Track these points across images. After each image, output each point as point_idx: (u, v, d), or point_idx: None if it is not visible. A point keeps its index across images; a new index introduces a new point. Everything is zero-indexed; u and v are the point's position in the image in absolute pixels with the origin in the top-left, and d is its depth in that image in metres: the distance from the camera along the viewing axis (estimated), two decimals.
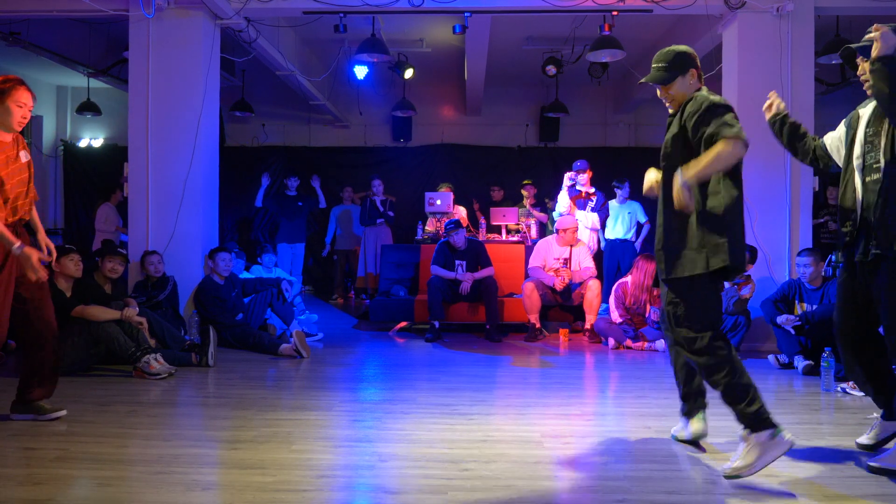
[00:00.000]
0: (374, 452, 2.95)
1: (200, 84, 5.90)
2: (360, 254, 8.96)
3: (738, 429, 2.65)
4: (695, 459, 2.88)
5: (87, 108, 9.56)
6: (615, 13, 6.06)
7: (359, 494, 2.54)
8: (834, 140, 3.00)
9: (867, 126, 2.81)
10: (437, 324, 6.17)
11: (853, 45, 2.76)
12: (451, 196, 7.87)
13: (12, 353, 5.04)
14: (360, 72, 7.81)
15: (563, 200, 7.34)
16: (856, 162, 2.82)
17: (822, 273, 5.43)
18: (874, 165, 2.74)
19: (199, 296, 5.67)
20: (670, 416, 3.46)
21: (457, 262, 6.44)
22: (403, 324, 6.90)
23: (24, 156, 3.23)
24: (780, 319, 4.87)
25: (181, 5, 5.81)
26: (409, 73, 8.20)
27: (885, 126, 2.72)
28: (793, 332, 4.83)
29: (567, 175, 7.42)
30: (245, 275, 6.33)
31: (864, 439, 3.01)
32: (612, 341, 5.79)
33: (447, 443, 3.07)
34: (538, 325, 6.20)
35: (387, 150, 10.95)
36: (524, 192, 8.78)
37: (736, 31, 5.82)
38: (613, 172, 8.29)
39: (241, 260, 6.58)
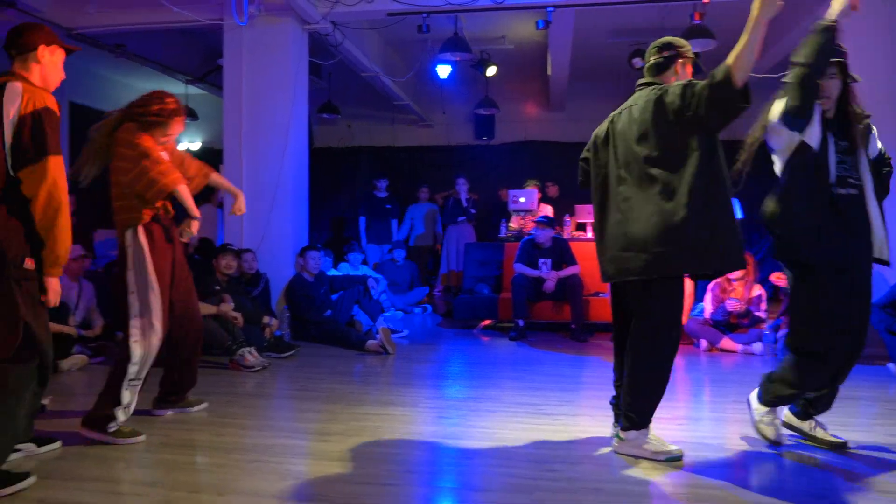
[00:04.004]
0: (459, 450, 2.96)
1: (290, 88, 6.10)
2: (442, 251, 9.00)
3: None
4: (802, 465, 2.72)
5: (186, 114, 10.05)
6: (706, 1, 5.82)
7: (444, 491, 2.54)
8: None
9: None
10: (521, 322, 6.12)
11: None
12: (537, 193, 7.78)
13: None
14: (443, 71, 7.84)
15: None
16: None
17: None
18: None
19: (289, 293, 5.86)
20: None
21: (541, 260, 6.36)
22: (488, 322, 6.88)
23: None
24: None
25: (271, 12, 6.02)
26: (491, 71, 8.16)
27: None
28: None
29: None
30: (333, 272, 6.50)
31: None
32: (704, 343, 5.56)
33: (533, 442, 3.04)
34: None
35: (469, 149, 10.94)
36: None
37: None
38: None
39: (329, 258, 6.75)
